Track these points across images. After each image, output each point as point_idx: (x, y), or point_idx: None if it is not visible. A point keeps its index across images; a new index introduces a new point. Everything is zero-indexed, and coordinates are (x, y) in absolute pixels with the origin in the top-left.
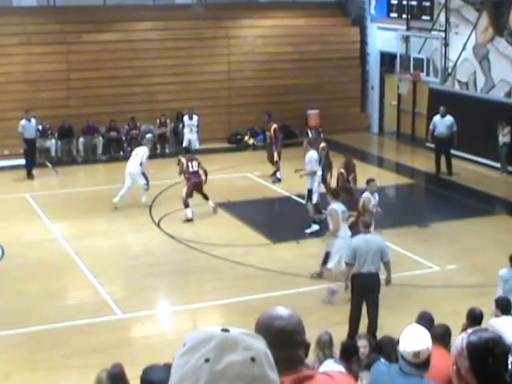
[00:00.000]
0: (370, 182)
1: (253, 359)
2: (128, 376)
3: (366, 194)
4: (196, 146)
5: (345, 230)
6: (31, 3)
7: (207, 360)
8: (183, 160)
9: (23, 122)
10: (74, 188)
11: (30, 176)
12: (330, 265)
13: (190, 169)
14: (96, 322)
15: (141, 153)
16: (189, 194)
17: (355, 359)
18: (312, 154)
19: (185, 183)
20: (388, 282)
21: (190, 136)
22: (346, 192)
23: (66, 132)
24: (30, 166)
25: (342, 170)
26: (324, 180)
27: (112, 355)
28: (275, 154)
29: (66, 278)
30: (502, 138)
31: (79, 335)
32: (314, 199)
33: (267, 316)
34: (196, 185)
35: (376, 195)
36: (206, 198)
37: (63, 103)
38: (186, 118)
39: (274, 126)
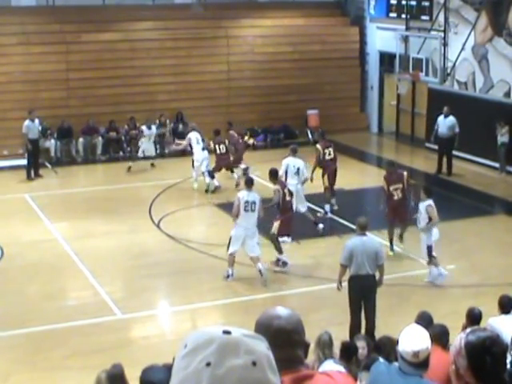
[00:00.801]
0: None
1: (254, 363)
2: (128, 376)
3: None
4: (152, 153)
5: (246, 220)
6: (30, 3)
7: (208, 364)
8: (212, 144)
9: (27, 122)
10: (74, 188)
11: (29, 177)
12: (230, 250)
13: (218, 151)
14: (96, 323)
15: (200, 138)
16: (216, 169)
17: (354, 359)
18: (284, 161)
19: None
20: (380, 284)
21: (147, 145)
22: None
23: (66, 132)
24: (31, 167)
25: (383, 179)
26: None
27: (112, 356)
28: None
29: (65, 278)
30: (501, 138)
31: (79, 336)
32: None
33: (266, 316)
34: (224, 165)
35: (423, 207)
36: (232, 171)
37: (62, 103)
38: (144, 127)
39: (232, 136)
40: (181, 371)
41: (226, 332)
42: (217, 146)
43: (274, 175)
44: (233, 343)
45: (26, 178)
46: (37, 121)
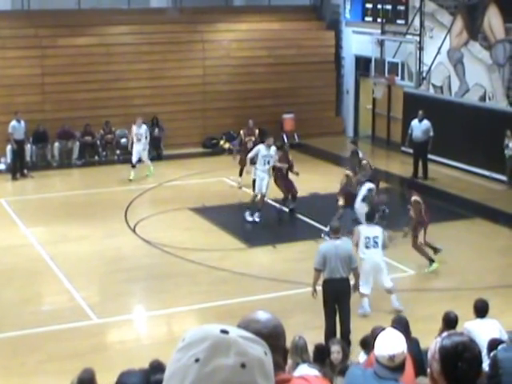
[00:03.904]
0: None
1: (243, 365)
2: (104, 381)
3: None
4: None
5: None
6: (5, 7)
7: (197, 360)
8: None
9: (13, 122)
10: (50, 193)
11: (15, 177)
12: None
13: None
14: (71, 328)
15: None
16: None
17: (328, 363)
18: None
19: None
20: (355, 288)
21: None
22: None
23: (41, 136)
24: (16, 167)
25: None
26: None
27: (88, 360)
28: None
29: (41, 283)
30: (509, 151)
31: (54, 341)
32: None
33: (245, 319)
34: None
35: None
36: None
37: (38, 108)
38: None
39: None
40: (173, 364)
41: (224, 331)
42: None
43: None
44: (225, 343)
45: (11, 178)
46: (22, 122)
